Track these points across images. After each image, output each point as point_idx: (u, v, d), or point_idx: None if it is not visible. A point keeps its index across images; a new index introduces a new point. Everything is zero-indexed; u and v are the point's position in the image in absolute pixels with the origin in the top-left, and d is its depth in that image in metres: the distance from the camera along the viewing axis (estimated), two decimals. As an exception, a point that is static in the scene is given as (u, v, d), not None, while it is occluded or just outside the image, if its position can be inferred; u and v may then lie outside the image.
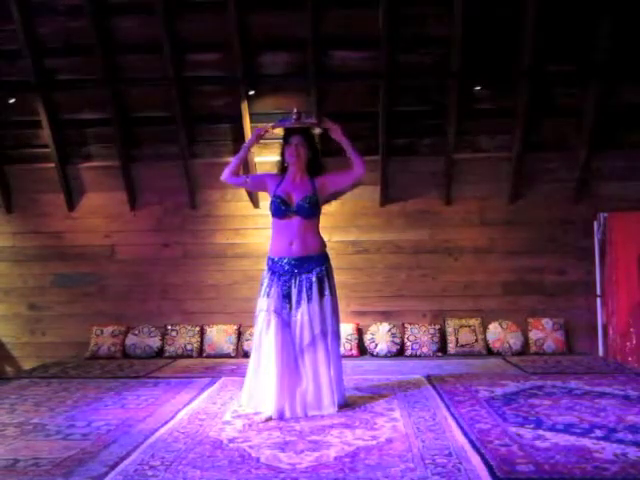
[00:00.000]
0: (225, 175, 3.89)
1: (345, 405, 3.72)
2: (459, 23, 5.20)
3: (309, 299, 3.65)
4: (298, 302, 3.66)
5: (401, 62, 5.54)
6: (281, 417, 3.47)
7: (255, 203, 6.12)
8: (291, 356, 3.61)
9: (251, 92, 5.69)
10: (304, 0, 5.21)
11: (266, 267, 3.81)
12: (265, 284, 3.75)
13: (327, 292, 3.70)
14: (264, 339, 3.67)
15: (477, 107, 5.81)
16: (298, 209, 3.70)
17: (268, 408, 3.52)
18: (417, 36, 5.48)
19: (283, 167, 3.86)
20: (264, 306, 3.69)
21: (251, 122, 5.75)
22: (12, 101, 5.85)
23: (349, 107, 5.79)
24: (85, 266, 6.25)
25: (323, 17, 5.36)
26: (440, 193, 6.08)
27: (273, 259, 3.77)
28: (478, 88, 5.70)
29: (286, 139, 3.81)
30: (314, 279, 3.67)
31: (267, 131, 3.87)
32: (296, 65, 5.65)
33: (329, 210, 5.91)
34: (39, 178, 6.20)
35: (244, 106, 5.69)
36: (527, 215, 6.02)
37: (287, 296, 3.68)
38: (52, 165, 6.09)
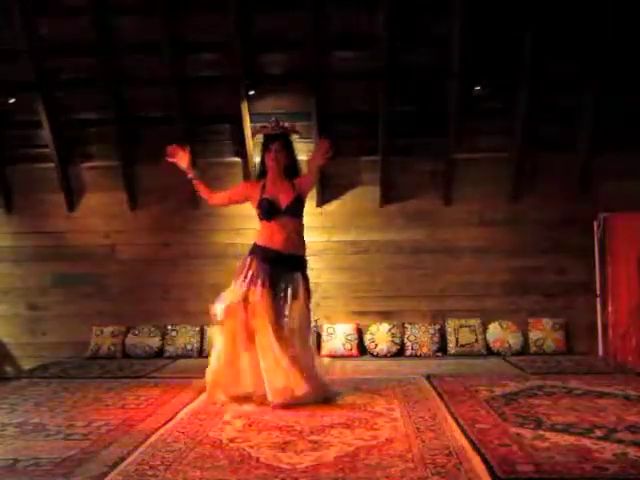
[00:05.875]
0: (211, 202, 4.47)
1: (323, 398, 3.82)
2: (459, 23, 5.21)
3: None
4: None
5: (401, 62, 5.54)
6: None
7: (255, 203, 6.11)
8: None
9: (251, 92, 5.69)
10: (304, 0, 5.21)
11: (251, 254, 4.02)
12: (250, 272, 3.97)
13: (290, 290, 3.90)
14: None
15: (477, 107, 5.81)
16: (287, 210, 3.93)
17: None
18: (417, 36, 5.48)
19: (262, 171, 4.10)
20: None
21: (251, 122, 5.76)
22: (12, 101, 5.85)
23: (349, 107, 5.79)
24: (85, 266, 6.24)
25: (323, 17, 5.36)
26: (440, 193, 6.08)
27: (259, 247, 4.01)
28: (478, 88, 5.70)
29: (266, 145, 4.03)
30: (295, 275, 3.92)
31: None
32: (296, 65, 5.65)
33: (329, 210, 5.92)
34: (39, 178, 6.20)
35: (244, 106, 5.69)
36: (527, 215, 6.02)
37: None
38: (52, 165, 6.10)
